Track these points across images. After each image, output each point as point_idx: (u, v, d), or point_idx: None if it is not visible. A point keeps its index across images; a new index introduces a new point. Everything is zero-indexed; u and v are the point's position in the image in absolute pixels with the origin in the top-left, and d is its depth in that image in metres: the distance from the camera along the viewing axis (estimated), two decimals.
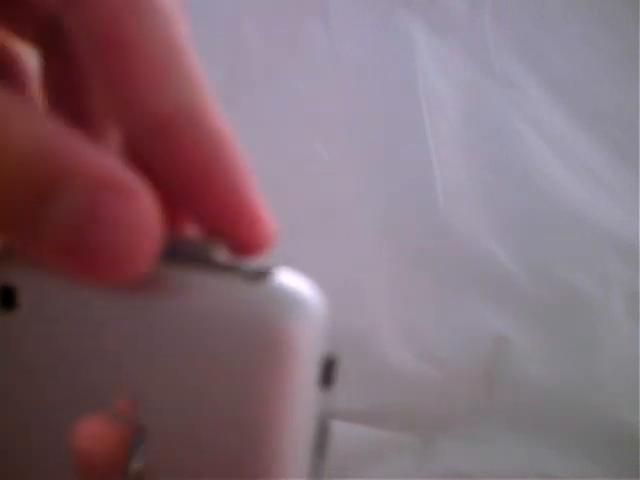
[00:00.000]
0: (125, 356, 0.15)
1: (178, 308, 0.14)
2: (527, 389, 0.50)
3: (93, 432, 0.15)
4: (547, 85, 0.58)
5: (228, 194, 0.15)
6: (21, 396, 0.15)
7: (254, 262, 0.16)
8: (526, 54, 0.59)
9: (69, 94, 0.17)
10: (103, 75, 0.15)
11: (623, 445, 0.48)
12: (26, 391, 0.15)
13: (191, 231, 0.17)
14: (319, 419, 0.16)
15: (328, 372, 0.15)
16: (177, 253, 0.15)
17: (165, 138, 0.15)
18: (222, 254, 0.16)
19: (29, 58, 0.17)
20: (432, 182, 0.54)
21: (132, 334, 0.15)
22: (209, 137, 0.15)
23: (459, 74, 0.58)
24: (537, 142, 0.56)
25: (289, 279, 0.15)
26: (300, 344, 0.15)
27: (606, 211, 0.54)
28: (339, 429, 0.49)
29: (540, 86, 0.58)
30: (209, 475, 0.14)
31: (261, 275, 0.15)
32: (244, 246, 0.16)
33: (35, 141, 0.13)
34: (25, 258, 0.14)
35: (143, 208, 0.13)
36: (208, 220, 0.16)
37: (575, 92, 0.58)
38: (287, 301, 0.15)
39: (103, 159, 0.13)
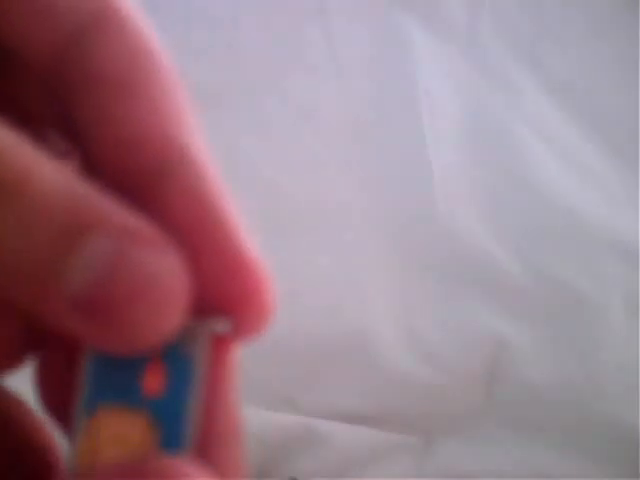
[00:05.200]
0: None
1: None
2: (527, 389, 0.50)
3: None
4: (546, 87, 0.58)
5: (221, 243, 0.14)
6: None
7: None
8: (525, 56, 0.59)
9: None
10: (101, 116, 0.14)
11: (623, 445, 0.48)
12: None
13: None
14: None
15: None
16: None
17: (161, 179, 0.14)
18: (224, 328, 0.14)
19: None
20: (431, 183, 0.54)
21: None
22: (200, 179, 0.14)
23: (458, 76, 0.58)
24: (536, 143, 0.56)
25: None
26: None
27: (606, 211, 0.55)
28: (339, 430, 0.49)
29: (539, 88, 0.58)
30: None
31: None
32: (244, 315, 0.15)
33: (58, 190, 0.12)
34: None
35: (172, 261, 0.12)
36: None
37: (574, 93, 0.58)
38: None
39: (127, 212, 0.12)
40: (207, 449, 0.14)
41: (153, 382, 0.14)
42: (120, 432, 0.14)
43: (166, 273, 0.12)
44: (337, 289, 0.51)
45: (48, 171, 0.12)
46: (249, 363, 0.51)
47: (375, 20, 0.58)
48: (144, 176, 0.14)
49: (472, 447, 0.49)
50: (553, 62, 0.59)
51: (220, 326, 0.14)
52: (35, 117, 0.15)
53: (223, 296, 0.14)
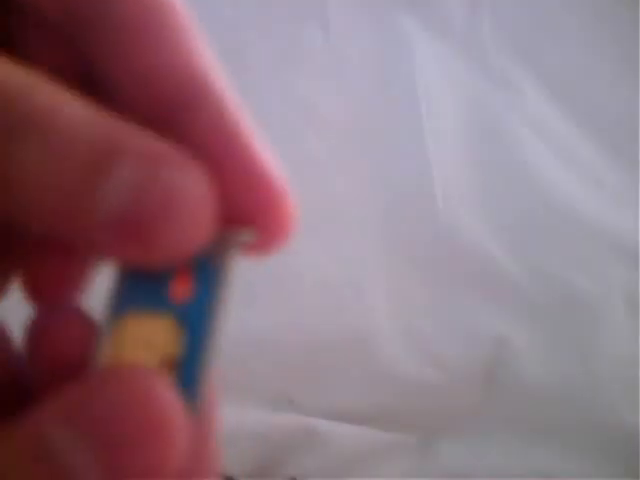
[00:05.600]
0: None
1: None
2: (527, 389, 0.50)
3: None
4: (546, 86, 0.58)
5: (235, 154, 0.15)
6: None
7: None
8: (525, 55, 0.59)
9: None
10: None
11: (623, 445, 0.48)
12: None
13: None
14: None
15: None
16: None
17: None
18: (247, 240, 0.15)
19: None
20: (431, 182, 0.54)
21: None
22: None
23: (458, 75, 0.58)
24: (536, 143, 0.56)
25: None
26: None
27: (606, 211, 0.55)
28: (339, 430, 0.49)
29: (539, 87, 0.58)
30: None
31: None
32: (268, 225, 0.15)
33: (84, 120, 0.13)
34: None
35: (196, 178, 0.13)
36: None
37: (574, 93, 0.58)
38: None
39: (153, 137, 0.13)
40: None
41: (181, 289, 0.14)
42: (146, 335, 0.14)
43: (192, 190, 0.13)
44: (337, 289, 0.51)
45: (72, 103, 0.13)
46: (249, 362, 0.51)
47: (375, 20, 0.58)
48: (168, 106, 0.14)
49: (472, 447, 0.49)
50: (553, 62, 0.59)
51: (246, 236, 0.15)
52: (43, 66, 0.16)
53: (247, 209, 0.15)
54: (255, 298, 0.47)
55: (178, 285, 0.14)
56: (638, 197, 0.55)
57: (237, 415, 0.47)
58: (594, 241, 0.54)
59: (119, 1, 0.14)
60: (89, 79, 0.16)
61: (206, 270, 0.15)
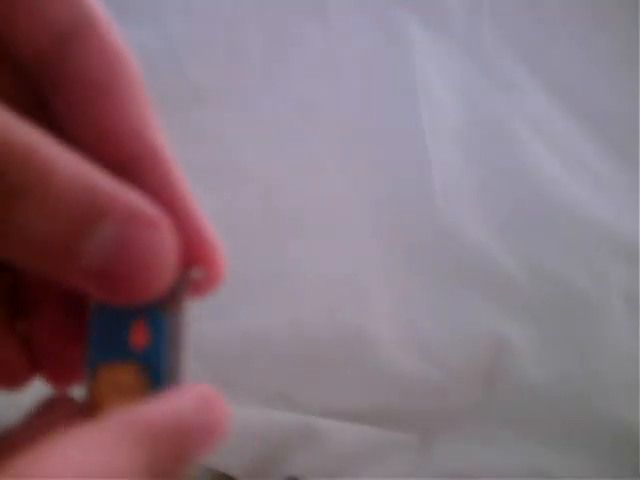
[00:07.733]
0: None
1: None
2: (527, 388, 0.50)
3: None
4: (546, 86, 0.58)
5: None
6: None
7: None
8: (525, 55, 0.59)
9: None
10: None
11: (623, 445, 0.48)
12: None
13: None
14: None
15: None
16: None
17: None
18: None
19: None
20: (431, 182, 0.54)
21: None
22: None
23: (457, 75, 0.58)
24: (536, 142, 0.56)
25: None
26: None
27: (606, 211, 0.55)
28: (338, 429, 0.49)
29: (539, 86, 0.58)
30: None
31: None
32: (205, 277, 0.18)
33: (75, 183, 0.14)
34: None
35: (165, 237, 0.16)
36: None
37: (574, 92, 0.58)
38: None
39: (131, 193, 0.15)
40: None
41: (139, 338, 0.17)
42: (117, 381, 0.17)
43: (163, 245, 0.15)
44: (336, 288, 0.51)
45: (67, 166, 0.14)
46: (248, 361, 0.51)
47: (375, 19, 0.58)
48: (116, 166, 0.16)
49: (472, 446, 0.49)
50: (553, 61, 0.59)
51: (197, 274, 0.18)
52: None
53: (190, 255, 0.17)
54: (254, 296, 0.47)
55: (136, 335, 0.17)
56: (638, 197, 0.55)
57: (236, 414, 0.47)
58: (594, 240, 0.54)
59: (83, 60, 0.16)
60: (39, 111, 0.17)
61: (158, 317, 0.17)
